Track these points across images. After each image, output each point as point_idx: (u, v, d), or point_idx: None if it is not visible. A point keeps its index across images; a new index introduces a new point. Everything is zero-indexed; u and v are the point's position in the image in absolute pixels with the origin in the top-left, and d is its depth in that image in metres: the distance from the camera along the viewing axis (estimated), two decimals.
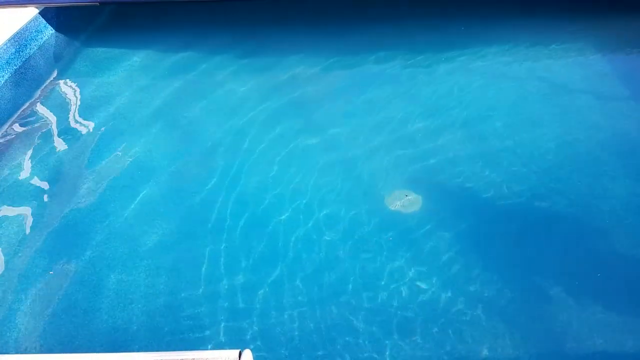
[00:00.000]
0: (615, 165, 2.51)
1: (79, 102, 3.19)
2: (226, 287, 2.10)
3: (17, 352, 1.89)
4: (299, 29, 3.71)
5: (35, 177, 2.66)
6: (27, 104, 3.22)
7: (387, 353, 1.85)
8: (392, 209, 2.31)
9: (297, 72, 3.32)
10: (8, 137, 2.93)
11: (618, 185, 2.40)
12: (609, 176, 2.46)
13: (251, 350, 1.42)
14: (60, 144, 2.87)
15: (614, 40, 3.33)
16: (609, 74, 3.09)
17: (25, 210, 2.45)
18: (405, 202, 2.33)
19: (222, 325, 1.98)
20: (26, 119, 3.07)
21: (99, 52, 3.65)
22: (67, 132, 2.98)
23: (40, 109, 3.16)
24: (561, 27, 3.50)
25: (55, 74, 3.52)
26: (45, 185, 2.61)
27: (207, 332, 1.97)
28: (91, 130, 2.97)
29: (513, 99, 2.95)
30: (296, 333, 1.93)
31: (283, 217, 2.34)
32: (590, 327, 1.87)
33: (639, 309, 1.95)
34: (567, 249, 2.15)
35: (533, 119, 2.78)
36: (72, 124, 3.03)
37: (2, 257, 2.29)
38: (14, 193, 2.58)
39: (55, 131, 2.97)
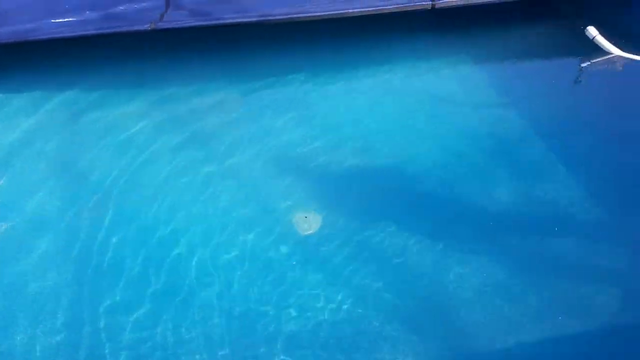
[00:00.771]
0: (494, 166, 2.66)
1: None
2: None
3: None
4: (192, 57, 3.60)
5: None
6: None
7: None
8: (296, 230, 2.32)
9: (195, 102, 3.26)
10: None
11: (500, 187, 2.53)
12: (492, 179, 2.59)
13: None
14: None
15: (484, 53, 3.59)
16: (483, 85, 3.31)
17: None
18: (306, 222, 2.34)
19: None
20: None
21: None
22: None
23: None
24: (437, 43, 3.69)
25: None
26: None
27: None
28: None
29: (399, 114, 3.06)
30: None
31: (181, 250, 2.29)
32: None
33: None
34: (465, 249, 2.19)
35: (417, 132, 2.91)
36: None
37: None
38: None
39: None
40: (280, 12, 3.43)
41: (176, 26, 3.34)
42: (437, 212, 2.41)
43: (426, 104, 3.19)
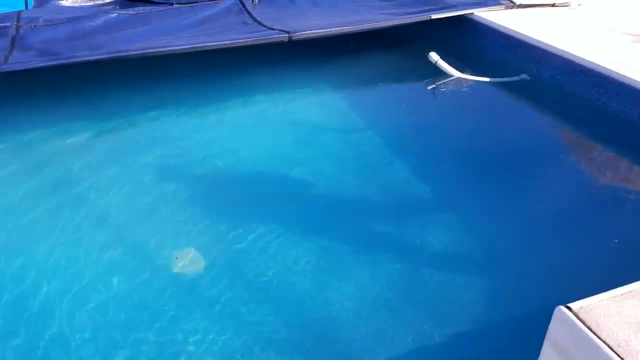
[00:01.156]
0: (358, 187, 2.74)
1: None
2: None
3: None
4: (52, 99, 3.44)
5: None
6: None
7: None
8: (175, 271, 2.28)
9: (55, 146, 3.08)
10: None
11: (368, 205, 2.62)
12: (357, 198, 2.68)
13: None
14: None
15: (342, 79, 3.81)
16: (342, 109, 3.49)
17: None
18: (183, 262, 2.31)
19: None
20: None
21: None
22: None
23: None
24: (298, 73, 3.89)
25: None
26: None
27: None
28: None
29: (267, 142, 3.12)
30: None
31: (37, 306, 2.09)
32: None
33: None
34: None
35: (289, 159, 2.97)
36: None
37: None
38: None
39: None
40: (136, 47, 3.37)
41: (22, 68, 3.14)
42: (310, 235, 2.44)
43: (292, 131, 3.26)
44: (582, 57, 3.17)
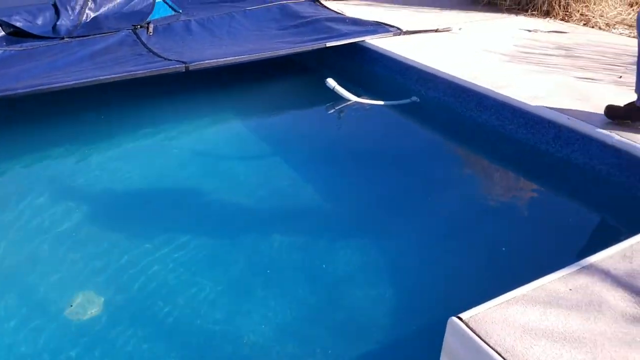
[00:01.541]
0: (265, 214, 2.77)
1: None
2: None
3: None
4: None
5: None
6: None
7: None
8: (69, 315, 2.21)
9: None
10: None
11: (277, 232, 2.64)
12: (268, 225, 2.69)
13: None
14: None
15: (246, 107, 3.89)
16: (248, 136, 3.58)
17: None
18: (78, 305, 2.25)
19: None
20: None
21: None
22: None
23: None
24: (200, 102, 3.92)
25: None
26: None
27: None
28: None
29: (175, 171, 3.11)
30: None
31: None
32: None
33: None
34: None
35: (194, 191, 2.96)
36: None
37: None
38: None
39: None
40: (24, 85, 3.21)
41: None
42: (216, 266, 2.42)
43: (196, 161, 3.24)
44: (463, 78, 3.44)
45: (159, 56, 3.68)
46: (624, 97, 3.10)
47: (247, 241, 2.56)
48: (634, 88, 2.70)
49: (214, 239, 2.58)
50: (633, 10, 4.80)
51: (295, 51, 3.94)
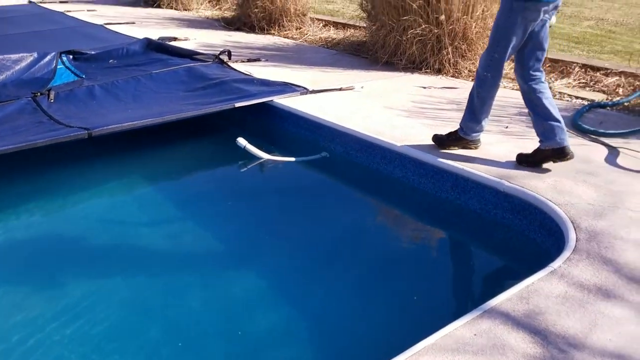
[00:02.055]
0: (178, 280, 2.71)
1: None
2: None
3: None
4: None
5: None
6: None
7: None
8: None
9: None
10: None
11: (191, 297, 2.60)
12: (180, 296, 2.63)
13: None
14: None
15: (156, 170, 3.91)
16: (159, 201, 3.56)
17: None
18: None
19: None
20: None
21: None
22: None
23: None
24: (106, 168, 3.88)
25: None
26: None
27: None
28: None
29: (79, 247, 2.99)
30: None
31: None
32: None
33: None
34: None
35: (101, 262, 2.86)
36: None
37: None
38: None
39: None
40: None
41: None
42: (126, 339, 2.33)
43: (104, 230, 3.12)
44: (367, 133, 3.64)
45: (61, 123, 3.58)
46: (509, 144, 3.42)
47: (158, 310, 2.49)
48: (460, 121, 3.31)
49: (123, 310, 2.49)
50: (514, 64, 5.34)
51: (204, 112, 3.98)
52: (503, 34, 2.90)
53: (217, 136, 4.44)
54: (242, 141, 3.80)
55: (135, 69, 4.82)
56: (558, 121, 2.97)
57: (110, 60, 5.12)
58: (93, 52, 5.23)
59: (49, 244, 2.96)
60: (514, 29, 2.85)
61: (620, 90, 4.53)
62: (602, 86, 4.65)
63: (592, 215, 2.59)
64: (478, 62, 3.20)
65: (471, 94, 3.23)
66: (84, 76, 4.60)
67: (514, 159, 3.18)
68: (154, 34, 6.46)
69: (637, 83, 4.62)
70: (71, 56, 5.06)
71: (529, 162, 3.08)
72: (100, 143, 3.70)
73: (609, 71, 4.90)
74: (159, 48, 5.54)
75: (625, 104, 4.20)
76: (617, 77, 4.78)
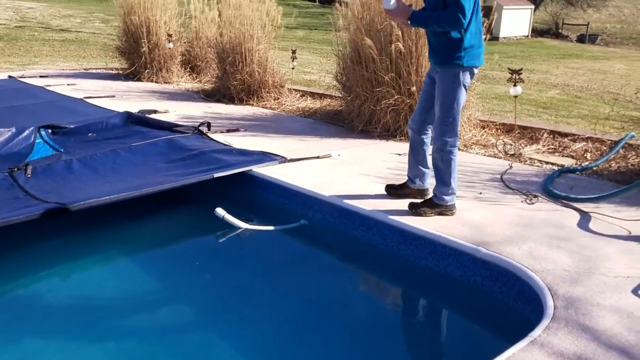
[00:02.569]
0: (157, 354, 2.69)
1: None
2: None
3: None
4: None
5: None
6: None
7: None
8: None
9: None
10: None
11: None
12: None
13: None
14: None
15: (135, 244, 3.84)
16: (139, 275, 3.48)
17: None
18: None
19: None
20: None
21: None
22: None
23: None
24: (83, 244, 3.80)
25: None
26: None
27: None
28: None
29: (55, 321, 2.92)
30: None
31: None
32: None
33: None
34: None
35: (74, 333, 2.80)
36: None
37: None
38: None
39: None
40: None
41: None
42: None
43: (84, 306, 3.03)
44: (345, 201, 3.68)
45: (37, 199, 3.55)
46: (483, 209, 3.49)
47: None
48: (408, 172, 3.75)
49: None
50: (485, 132, 5.52)
51: (183, 184, 4.00)
52: (453, 98, 3.26)
53: (196, 206, 4.45)
54: (220, 211, 3.81)
55: (114, 142, 4.87)
56: (429, 169, 3.64)
57: (90, 134, 5.16)
58: (72, 126, 5.27)
59: (24, 320, 2.88)
60: (460, 91, 3.26)
61: (589, 155, 4.71)
62: (571, 151, 4.82)
63: (569, 282, 2.62)
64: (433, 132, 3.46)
65: (435, 164, 3.43)
66: (62, 150, 4.61)
67: (490, 225, 3.24)
68: (134, 107, 6.56)
69: (604, 148, 4.81)
70: (50, 130, 5.10)
71: (394, 192, 3.78)
72: (77, 217, 3.66)
73: (576, 137, 5.09)
74: (139, 121, 5.62)
75: (594, 168, 4.35)
76: (585, 143, 4.97)
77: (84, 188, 3.83)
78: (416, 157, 3.66)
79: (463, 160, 4.66)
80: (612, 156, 4.54)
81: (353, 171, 4.36)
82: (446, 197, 3.41)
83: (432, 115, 3.43)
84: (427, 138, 3.59)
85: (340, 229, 3.72)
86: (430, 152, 3.50)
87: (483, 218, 3.35)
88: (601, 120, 6.25)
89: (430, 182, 3.64)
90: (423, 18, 3.24)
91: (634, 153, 4.51)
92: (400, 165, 4.50)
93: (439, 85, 3.32)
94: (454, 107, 3.26)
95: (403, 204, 3.56)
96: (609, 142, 4.87)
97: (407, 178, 3.79)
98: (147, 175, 4.18)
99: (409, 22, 3.22)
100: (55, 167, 4.18)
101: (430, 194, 3.58)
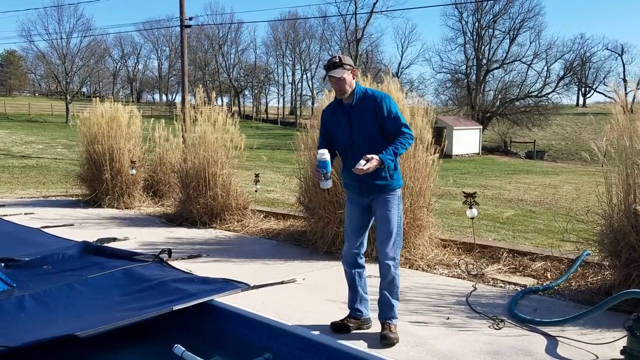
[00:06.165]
0: None
1: None
2: None
3: None
4: None
5: None
6: None
7: None
8: None
9: None
10: None
11: None
12: None
13: None
14: None
15: None
16: None
17: None
18: None
19: None
20: None
21: None
22: None
23: None
24: None
25: None
26: None
27: None
28: None
29: None
30: None
31: None
32: None
33: None
34: None
35: None
36: None
37: None
38: None
39: None
40: None
41: None
42: None
43: None
44: (311, 331, 3.56)
45: None
46: (452, 337, 3.42)
47: None
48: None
49: None
50: (447, 251, 5.59)
51: (140, 320, 3.81)
52: (399, 217, 3.51)
53: (154, 341, 4.20)
54: (179, 348, 3.60)
55: (70, 274, 4.68)
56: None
57: (45, 266, 4.97)
58: (27, 259, 5.08)
59: None
60: (401, 211, 3.55)
61: (549, 274, 4.79)
62: (531, 271, 4.91)
63: None
64: (381, 254, 3.54)
65: (394, 283, 3.54)
66: (15, 285, 4.39)
67: (461, 355, 3.16)
68: (93, 235, 6.43)
69: (563, 266, 4.92)
70: (2, 264, 4.89)
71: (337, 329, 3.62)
72: (22, 357, 3.40)
73: (535, 256, 5.21)
74: (97, 251, 5.47)
75: (555, 287, 4.41)
76: (544, 262, 5.08)
77: (32, 328, 3.59)
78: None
79: (428, 282, 4.66)
80: (572, 275, 4.63)
81: (319, 297, 4.28)
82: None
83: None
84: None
85: None
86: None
87: (453, 347, 3.27)
88: (557, 234, 6.46)
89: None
90: (393, 154, 3.33)
91: (591, 271, 4.61)
92: (368, 288, 4.45)
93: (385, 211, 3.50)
94: (400, 225, 3.55)
95: (370, 331, 3.47)
96: (567, 260, 4.99)
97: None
98: (103, 310, 3.98)
99: (382, 166, 3.30)
100: (5, 305, 3.94)
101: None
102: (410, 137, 3.40)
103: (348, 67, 3.39)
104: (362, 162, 3.25)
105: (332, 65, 3.38)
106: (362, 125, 3.43)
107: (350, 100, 3.46)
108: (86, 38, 48.78)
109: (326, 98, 6.14)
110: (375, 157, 3.26)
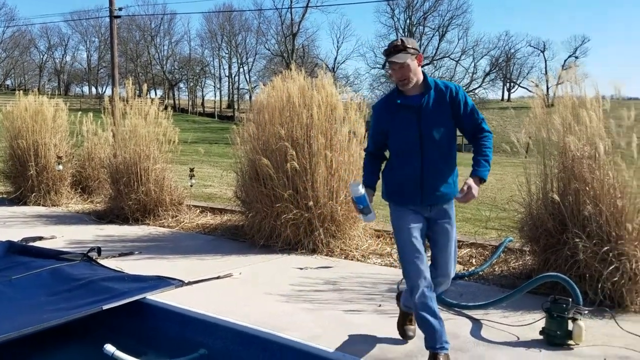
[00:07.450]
0: None
1: None
2: None
3: None
4: None
5: None
6: None
7: None
8: None
9: None
10: None
11: None
12: None
13: None
14: None
15: None
16: None
17: None
18: None
19: None
20: None
21: None
22: None
23: None
24: None
25: None
26: None
27: None
28: None
29: None
30: None
31: None
32: None
33: None
34: None
35: None
36: None
37: None
38: None
39: None
40: None
41: None
42: None
43: None
44: (247, 325, 3.57)
45: None
46: (383, 322, 3.54)
47: None
48: None
49: None
50: (380, 241, 5.74)
51: (67, 320, 3.69)
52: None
53: (84, 342, 4.07)
54: (110, 348, 3.51)
55: None
56: None
57: None
58: None
59: None
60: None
61: (474, 261, 5.03)
62: (458, 257, 5.13)
63: None
64: (442, 275, 3.13)
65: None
66: None
67: (392, 339, 3.27)
68: (18, 234, 6.12)
69: (487, 253, 5.18)
70: None
71: None
72: None
73: (460, 243, 5.45)
74: (22, 250, 5.22)
75: (480, 273, 4.64)
76: (469, 249, 5.32)
77: None
78: None
79: (362, 272, 4.78)
80: (495, 261, 4.88)
81: (256, 291, 4.29)
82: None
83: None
84: None
85: (243, 357, 3.56)
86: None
87: (385, 333, 3.38)
88: (482, 222, 6.77)
89: None
90: (487, 164, 2.92)
91: (513, 257, 4.89)
92: (302, 281, 4.51)
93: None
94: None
95: (307, 324, 3.53)
96: (490, 247, 5.26)
97: None
98: (28, 312, 3.82)
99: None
100: None
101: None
102: (491, 135, 2.97)
103: (413, 51, 2.84)
104: (465, 189, 2.79)
105: (394, 49, 2.83)
106: (435, 124, 2.90)
107: (416, 91, 2.93)
108: (9, 28, 46.02)
109: (261, 92, 6.13)
110: (473, 184, 2.79)
